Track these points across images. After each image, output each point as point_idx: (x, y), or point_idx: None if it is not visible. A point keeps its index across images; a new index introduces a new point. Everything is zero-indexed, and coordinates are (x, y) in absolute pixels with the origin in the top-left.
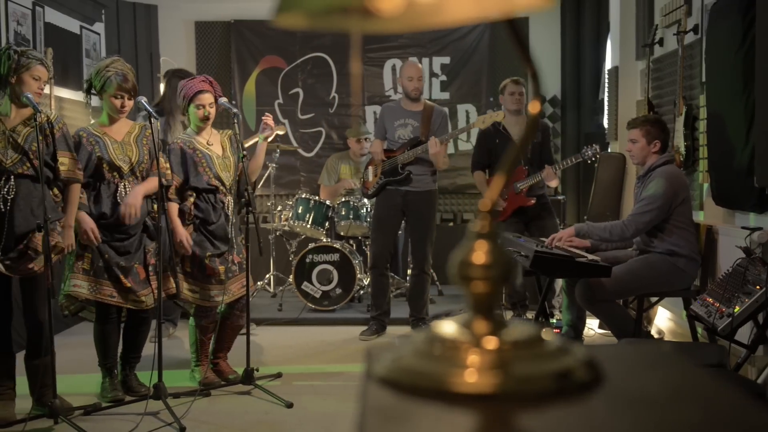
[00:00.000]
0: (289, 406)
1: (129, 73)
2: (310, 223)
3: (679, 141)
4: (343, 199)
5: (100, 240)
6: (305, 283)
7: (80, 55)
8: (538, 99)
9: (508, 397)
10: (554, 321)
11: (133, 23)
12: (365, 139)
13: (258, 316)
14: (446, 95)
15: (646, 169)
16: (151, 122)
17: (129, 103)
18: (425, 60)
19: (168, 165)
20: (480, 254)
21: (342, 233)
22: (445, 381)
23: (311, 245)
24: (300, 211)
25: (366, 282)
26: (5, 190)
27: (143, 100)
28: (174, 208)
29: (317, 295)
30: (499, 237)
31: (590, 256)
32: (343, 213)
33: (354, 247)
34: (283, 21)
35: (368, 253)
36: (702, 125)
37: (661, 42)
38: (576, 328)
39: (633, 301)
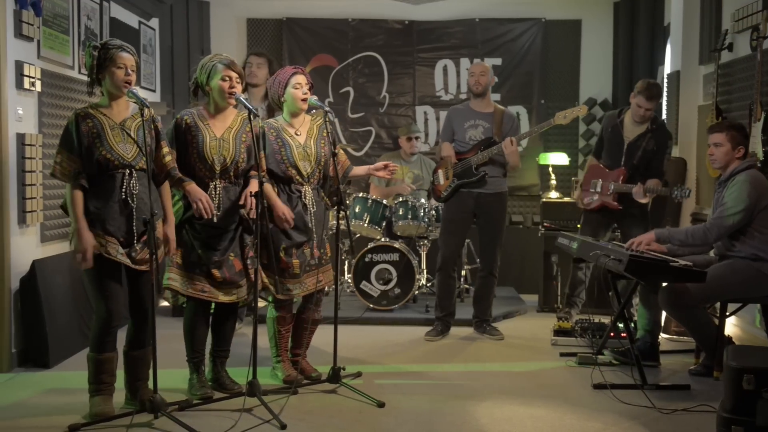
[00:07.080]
0: (381, 405)
1: (234, 61)
2: (367, 222)
3: (757, 146)
4: (401, 199)
5: (215, 211)
6: (364, 282)
7: (138, 50)
8: None
9: None
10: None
11: (185, 19)
12: (416, 138)
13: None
14: (497, 97)
15: (729, 174)
16: (251, 119)
17: (238, 87)
18: (476, 61)
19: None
20: None
21: (399, 233)
22: None
23: (371, 244)
24: (357, 210)
25: (423, 282)
26: (131, 184)
27: (242, 96)
28: (269, 186)
29: (375, 295)
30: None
31: (682, 261)
32: (401, 213)
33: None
34: None
35: (423, 255)
36: None
37: (730, 47)
38: (652, 334)
39: (710, 306)
